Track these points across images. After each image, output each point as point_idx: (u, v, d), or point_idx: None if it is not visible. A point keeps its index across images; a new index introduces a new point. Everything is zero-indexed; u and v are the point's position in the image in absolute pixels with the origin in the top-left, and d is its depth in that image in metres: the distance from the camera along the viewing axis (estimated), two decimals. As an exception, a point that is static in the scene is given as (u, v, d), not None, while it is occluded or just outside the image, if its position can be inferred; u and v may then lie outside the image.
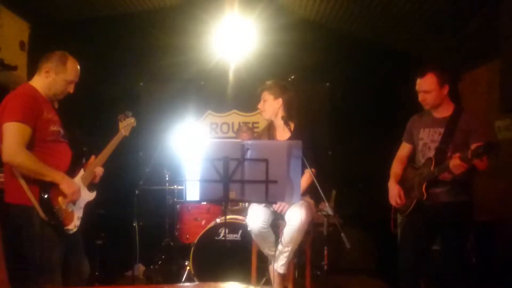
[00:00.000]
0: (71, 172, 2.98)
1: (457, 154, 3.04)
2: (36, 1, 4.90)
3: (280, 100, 3.86)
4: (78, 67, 3.09)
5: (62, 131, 3.01)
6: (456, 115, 3.31)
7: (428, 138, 3.41)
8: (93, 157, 3.22)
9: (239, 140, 3.00)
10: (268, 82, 3.96)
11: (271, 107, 3.87)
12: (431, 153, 3.34)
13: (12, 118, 2.75)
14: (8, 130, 2.74)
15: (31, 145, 2.81)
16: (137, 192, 4.64)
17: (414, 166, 3.53)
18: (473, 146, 3.13)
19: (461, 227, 3.30)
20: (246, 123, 5.94)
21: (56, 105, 4.34)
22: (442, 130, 3.32)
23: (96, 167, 3.17)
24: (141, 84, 6.10)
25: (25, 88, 2.95)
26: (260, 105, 3.94)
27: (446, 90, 3.33)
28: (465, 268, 3.33)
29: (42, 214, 2.78)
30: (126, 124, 3.44)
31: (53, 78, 2.98)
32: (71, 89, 3.08)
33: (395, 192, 3.49)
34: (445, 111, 3.37)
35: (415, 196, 3.37)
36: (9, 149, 2.73)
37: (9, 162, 2.79)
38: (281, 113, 3.87)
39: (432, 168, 3.25)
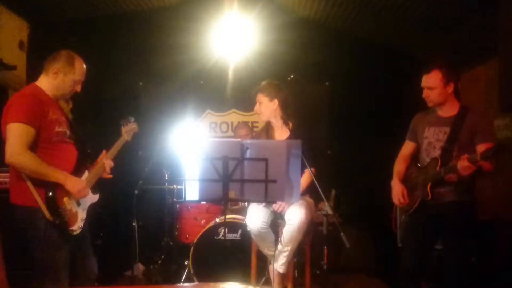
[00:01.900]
0: (76, 173, 2.98)
1: (465, 156, 3.00)
2: (36, 0, 4.90)
3: (276, 101, 3.82)
4: (85, 66, 3.09)
5: (68, 132, 3.00)
6: (462, 115, 3.27)
7: (433, 137, 3.38)
8: (101, 154, 3.23)
9: (237, 138, 3.00)
10: (262, 83, 3.90)
11: (268, 108, 3.84)
12: (436, 153, 3.31)
13: (15, 119, 2.75)
14: (12, 131, 2.74)
15: (35, 146, 2.81)
16: (136, 191, 4.64)
17: (418, 165, 3.50)
18: (480, 147, 3.13)
19: (464, 227, 3.28)
20: (245, 123, 5.94)
21: (71, 105, 4.34)
22: (447, 129, 3.29)
23: (100, 169, 3.17)
24: (141, 83, 6.10)
25: (31, 89, 2.95)
26: (256, 108, 3.90)
27: (451, 88, 3.29)
28: (467, 268, 3.32)
29: (47, 214, 2.77)
30: (128, 129, 3.46)
31: (61, 79, 2.98)
32: (78, 88, 3.09)
33: (398, 191, 3.46)
34: (451, 110, 3.34)
35: (419, 195, 3.35)
36: (11, 150, 2.73)
37: (11, 163, 2.79)
38: (279, 113, 3.85)
39: (438, 168, 3.23)
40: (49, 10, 5.17)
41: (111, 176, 3.24)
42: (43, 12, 5.16)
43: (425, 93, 3.34)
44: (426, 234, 3.41)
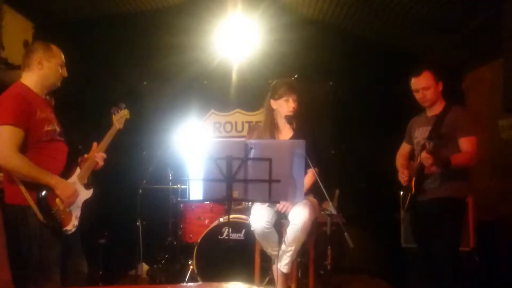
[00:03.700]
0: (67, 171, 2.96)
1: (426, 146, 3.20)
2: (40, 0, 4.92)
3: None
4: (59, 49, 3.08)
5: (58, 129, 2.97)
6: (445, 112, 3.42)
7: (420, 136, 3.52)
8: (93, 147, 3.18)
9: (243, 139, 2.99)
10: (292, 82, 3.87)
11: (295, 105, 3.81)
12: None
13: (3, 121, 2.72)
14: (0, 134, 2.72)
15: (25, 147, 2.78)
16: (140, 191, 4.65)
17: (411, 163, 3.68)
18: (461, 141, 3.31)
19: (449, 224, 3.34)
20: (250, 122, 5.94)
21: (53, 102, 4.28)
22: (430, 127, 3.43)
23: (92, 163, 3.12)
24: (145, 83, 6.11)
25: (17, 88, 2.90)
26: (296, 107, 3.77)
27: (441, 86, 3.46)
28: (456, 267, 3.34)
29: (40, 217, 2.76)
30: (119, 117, 3.37)
31: (47, 66, 2.95)
32: (64, 72, 3.06)
33: (400, 170, 3.64)
34: (437, 108, 3.49)
35: (409, 191, 3.50)
36: (1, 154, 2.71)
37: (2, 166, 2.78)
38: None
39: (418, 162, 3.39)
40: (53, 10, 5.19)
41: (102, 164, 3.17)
42: (48, 12, 5.18)
43: (421, 94, 3.48)
44: (420, 230, 3.56)
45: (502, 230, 4.37)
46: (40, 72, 2.95)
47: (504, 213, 4.38)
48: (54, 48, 3.02)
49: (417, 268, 3.60)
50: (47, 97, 4.09)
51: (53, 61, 2.98)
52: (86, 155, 3.15)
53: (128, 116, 3.46)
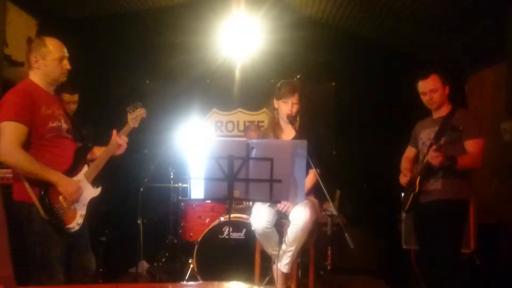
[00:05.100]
0: (74, 168, 2.94)
1: (434, 146, 3.24)
2: (44, -2, 4.93)
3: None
4: (59, 41, 3.02)
5: (65, 126, 2.96)
6: (451, 114, 3.44)
7: (426, 138, 3.55)
8: (113, 133, 3.19)
9: (244, 138, 2.99)
10: (295, 82, 3.87)
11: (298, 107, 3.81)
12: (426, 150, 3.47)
13: (7, 118, 2.72)
14: (4, 130, 2.72)
15: (28, 143, 2.78)
16: (141, 189, 4.65)
17: (416, 165, 3.67)
18: (467, 143, 3.32)
19: (450, 226, 3.35)
20: (251, 122, 5.94)
21: (77, 97, 4.21)
22: (437, 128, 3.45)
23: (112, 148, 3.12)
24: (147, 82, 6.12)
25: (24, 85, 2.91)
26: (295, 109, 3.74)
27: (447, 90, 3.49)
28: (457, 270, 3.35)
29: (42, 213, 2.76)
30: (135, 115, 3.35)
31: (44, 64, 2.92)
32: (67, 65, 3.00)
33: (403, 172, 3.65)
34: (443, 111, 3.51)
35: (412, 191, 3.48)
36: (4, 149, 2.72)
37: (5, 162, 2.78)
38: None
39: (424, 161, 3.39)
40: (57, 8, 5.20)
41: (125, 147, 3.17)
42: (52, 10, 5.19)
43: (429, 96, 3.49)
44: (421, 232, 3.56)
45: (503, 233, 4.36)
46: (39, 71, 2.94)
47: (506, 215, 4.38)
48: (50, 43, 2.97)
49: (418, 269, 3.60)
50: (76, 95, 4.10)
51: (49, 57, 2.94)
52: (89, 155, 3.15)
53: (144, 115, 3.42)
